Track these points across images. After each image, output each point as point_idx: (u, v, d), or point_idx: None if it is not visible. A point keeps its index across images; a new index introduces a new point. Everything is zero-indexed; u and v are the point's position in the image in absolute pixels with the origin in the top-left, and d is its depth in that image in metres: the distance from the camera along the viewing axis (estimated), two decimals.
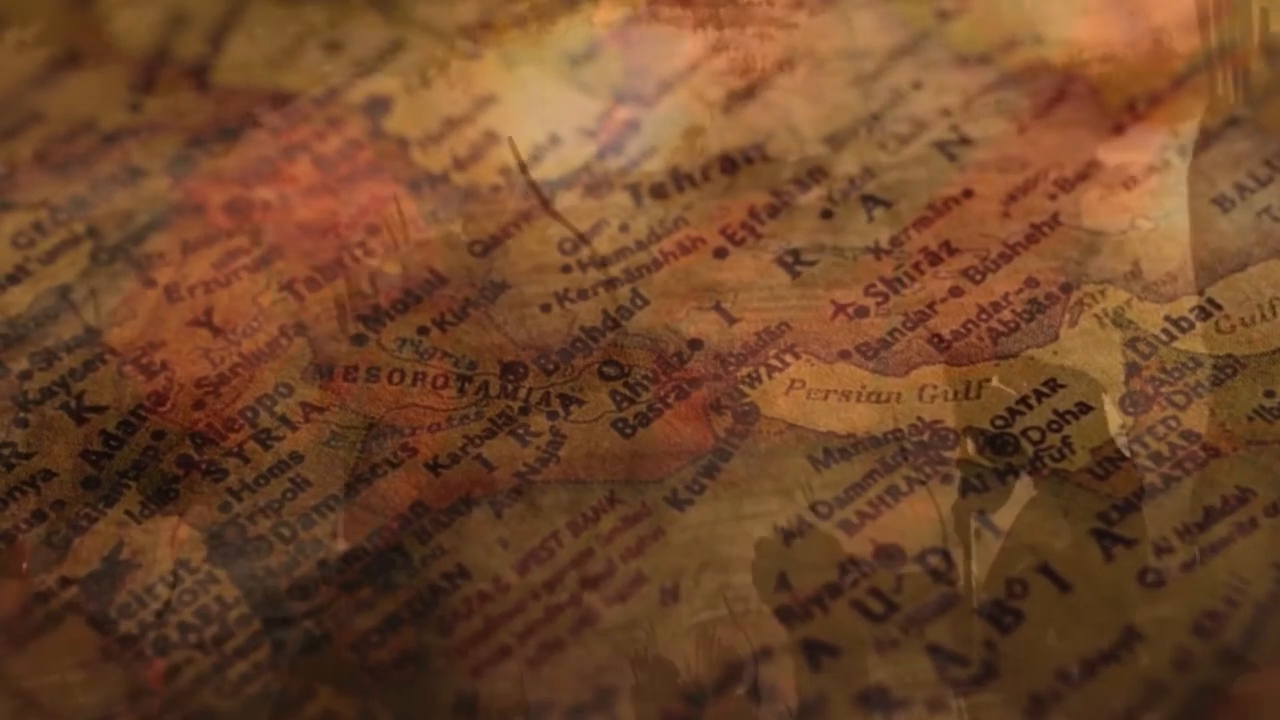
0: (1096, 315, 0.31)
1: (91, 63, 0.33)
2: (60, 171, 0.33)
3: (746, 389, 0.31)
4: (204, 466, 0.30)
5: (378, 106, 0.33)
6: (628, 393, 0.31)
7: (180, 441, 0.30)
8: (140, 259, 0.32)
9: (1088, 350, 0.31)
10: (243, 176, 0.33)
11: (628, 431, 0.30)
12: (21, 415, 0.30)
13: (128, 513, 0.29)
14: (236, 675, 0.28)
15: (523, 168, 0.30)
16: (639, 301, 0.32)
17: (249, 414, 0.30)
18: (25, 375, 0.31)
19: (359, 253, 0.32)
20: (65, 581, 0.29)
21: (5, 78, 0.33)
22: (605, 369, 0.31)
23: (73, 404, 0.30)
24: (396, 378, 0.31)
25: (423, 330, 0.31)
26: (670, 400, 0.30)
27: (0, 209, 0.32)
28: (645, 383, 0.31)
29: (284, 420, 0.30)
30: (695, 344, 0.31)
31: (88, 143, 0.33)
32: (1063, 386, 0.30)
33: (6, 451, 0.30)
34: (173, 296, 0.31)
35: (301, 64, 0.34)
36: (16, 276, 0.32)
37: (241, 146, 0.33)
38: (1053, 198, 0.32)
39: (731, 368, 0.31)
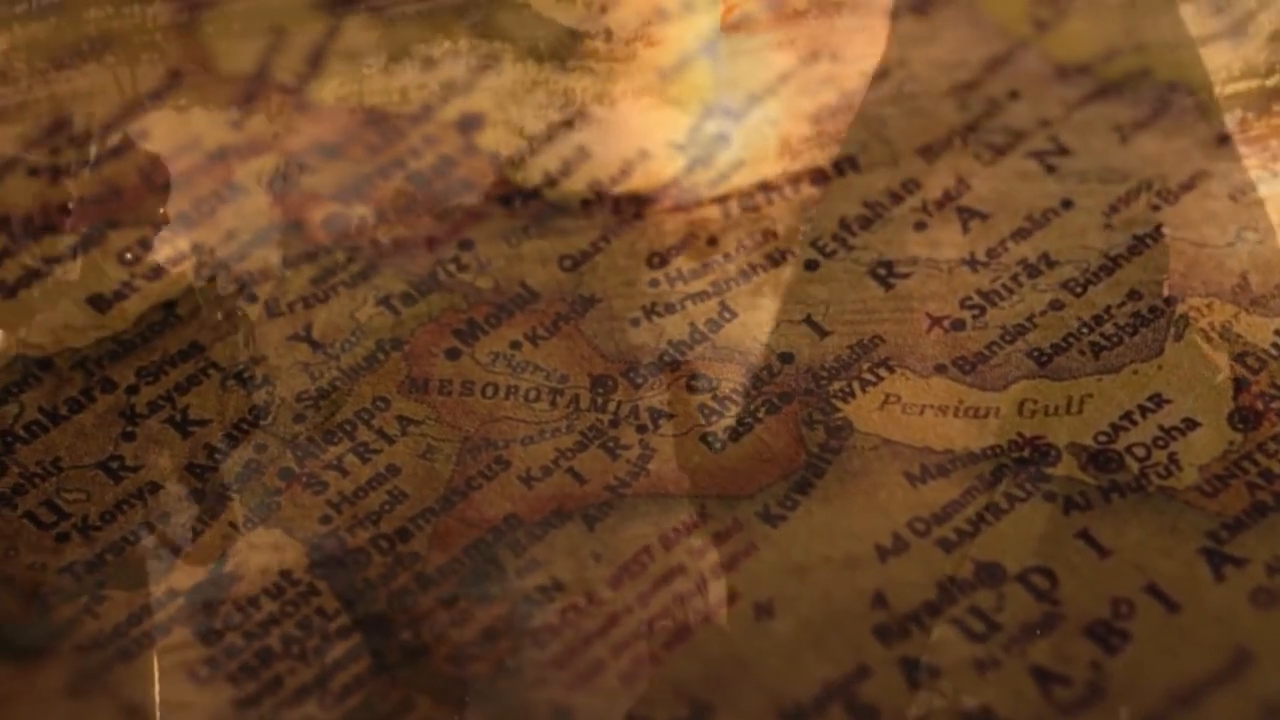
0: (1203, 329, 0.28)
1: (194, 82, 0.32)
2: (165, 190, 0.31)
3: (839, 403, 0.28)
4: (304, 479, 0.28)
5: (471, 123, 0.31)
6: (716, 406, 0.28)
7: (281, 454, 0.28)
8: (242, 275, 0.30)
9: (1194, 365, 0.28)
10: (340, 193, 0.31)
11: (717, 446, 0.28)
12: (129, 429, 0.29)
13: (231, 525, 0.28)
14: (338, 686, 0.26)
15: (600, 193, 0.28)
16: (727, 314, 0.29)
17: (347, 427, 0.29)
18: (132, 389, 0.29)
19: (453, 268, 0.30)
20: (172, 593, 0.27)
21: (111, 98, 0.32)
22: (694, 383, 0.29)
23: (178, 417, 0.29)
24: (490, 391, 0.29)
25: (515, 345, 0.29)
26: (761, 414, 0.28)
27: (107, 226, 0.31)
28: (735, 397, 0.28)
29: (381, 433, 0.28)
30: (786, 357, 0.29)
31: (191, 161, 0.31)
32: (1168, 402, 0.28)
33: (114, 464, 0.28)
34: (273, 311, 0.30)
35: (397, 82, 0.32)
36: (123, 292, 0.30)
37: (339, 163, 0.31)
38: (1156, 209, 0.30)
39: (823, 382, 0.29)
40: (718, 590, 0.27)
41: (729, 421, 0.28)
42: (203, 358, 0.29)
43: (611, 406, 0.29)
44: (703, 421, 0.28)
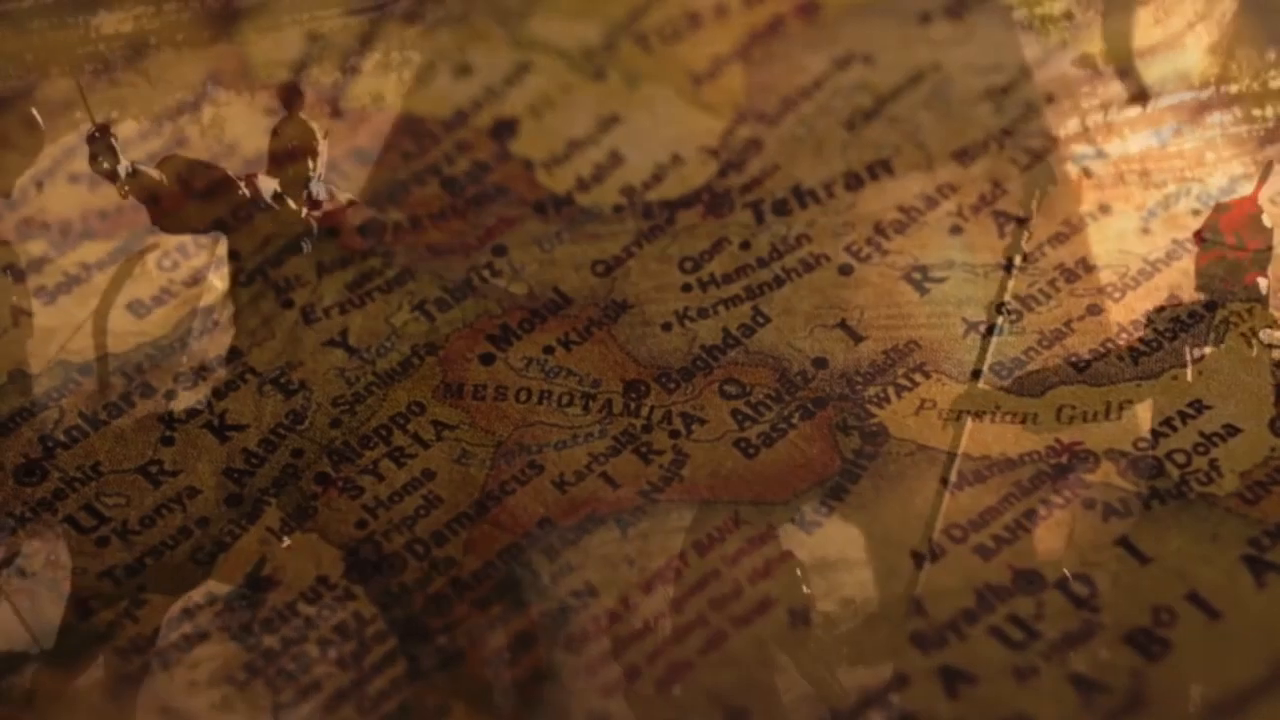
0: (1243, 334, 0.27)
1: (232, 89, 0.31)
2: (203, 196, 0.30)
3: (874, 409, 0.27)
4: (340, 484, 0.27)
5: (504, 129, 0.31)
6: (750, 412, 0.28)
7: (318, 459, 0.28)
8: (278, 281, 0.29)
9: (1234, 370, 0.27)
10: (375, 199, 0.30)
11: (751, 451, 0.27)
12: (167, 434, 0.28)
13: (269, 529, 0.27)
14: (375, 691, 0.26)
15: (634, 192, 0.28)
16: (760, 319, 0.29)
17: (383, 432, 0.28)
18: (170, 395, 0.28)
19: (486, 273, 0.29)
20: (210, 597, 0.27)
21: (150, 105, 0.31)
22: (726, 387, 0.28)
23: (215, 422, 0.28)
24: (523, 396, 0.28)
25: (548, 350, 0.29)
26: (795, 420, 0.27)
27: (145, 232, 0.30)
28: (768, 402, 0.28)
29: (416, 438, 0.28)
30: (820, 362, 0.28)
31: (228, 167, 0.31)
32: (1209, 408, 0.27)
33: (154, 469, 0.28)
34: (309, 317, 0.29)
35: (432, 88, 0.31)
36: (161, 299, 0.30)
37: (374, 170, 0.30)
38: (1196, 213, 0.29)
39: (858, 387, 0.28)
40: (753, 597, 0.26)
41: (763, 427, 0.27)
42: (240, 363, 0.29)
43: (644, 411, 0.28)
44: (736, 427, 0.28)
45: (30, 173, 0.31)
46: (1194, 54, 0.30)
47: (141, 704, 0.26)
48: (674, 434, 0.28)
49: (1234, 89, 0.29)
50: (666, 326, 0.29)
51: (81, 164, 0.31)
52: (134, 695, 0.26)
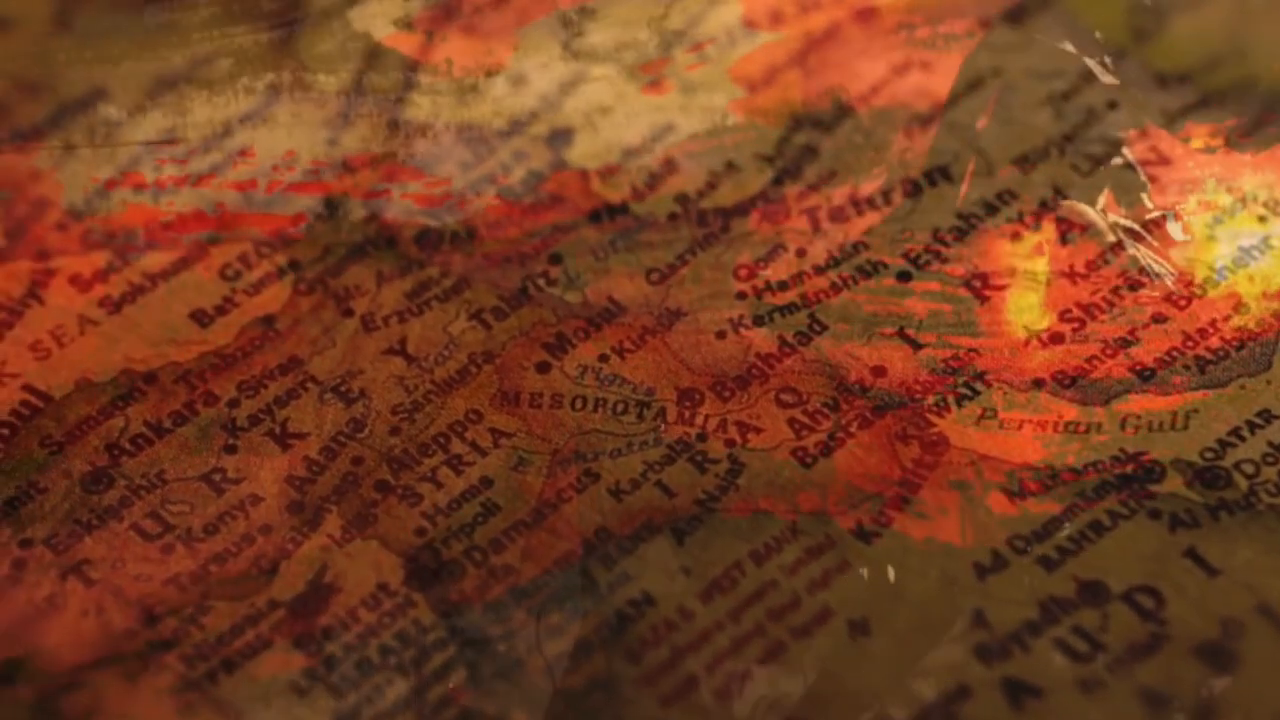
0: None
1: (293, 100, 0.31)
2: (264, 206, 0.30)
3: (934, 418, 0.26)
4: (400, 491, 0.27)
5: (560, 138, 0.30)
6: (807, 421, 0.27)
7: (378, 466, 0.27)
8: (338, 290, 0.29)
9: None
10: (432, 209, 0.30)
11: (808, 461, 0.26)
12: (230, 442, 0.27)
13: (330, 536, 0.26)
14: (435, 698, 0.25)
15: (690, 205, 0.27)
16: (817, 327, 0.28)
17: (441, 440, 0.27)
18: (233, 403, 0.28)
19: (542, 282, 0.29)
20: (273, 604, 0.26)
21: (212, 114, 0.31)
22: (782, 396, 0.27)
23: (277, 430, 0.27)
24: (579, 404, 0.27)
25: (603, 358, 0.28)
26: (853, 429, 0.26)
27: (209, 242, 0.30)
28: (825, 411, 0.27)
29: (474, 446, 0.27)
30: (878, 371, 0.27)
31: (289, 177, 0.30)
32: (1277, 418, 0.26)
33: (217, 477, 0.27)
34: (369, 326, 0.28)
35: (488, 97, 0.30)
36: (224, 308, 0.29)
37: (432, 179, 0.30)
38: (1262, 220, 0.28)
39: (917, 396, 0.27)
40: (811, 608, 0.25)
41: (820, 436, 0.26)
42: (301, 371, 0.28)
43: (699, 420, 0.27)
44: (793, 436, 0.27)
45: (95, 183, 0.31)
46: (1260, 59, 0.29)
47: (206, 711, 0.25)
48: (729, 443, 0.27)
49: None
50: (721, 334, 0.28)
51: (147, 174, 0.31)
52: (198, 702, 0.26)
